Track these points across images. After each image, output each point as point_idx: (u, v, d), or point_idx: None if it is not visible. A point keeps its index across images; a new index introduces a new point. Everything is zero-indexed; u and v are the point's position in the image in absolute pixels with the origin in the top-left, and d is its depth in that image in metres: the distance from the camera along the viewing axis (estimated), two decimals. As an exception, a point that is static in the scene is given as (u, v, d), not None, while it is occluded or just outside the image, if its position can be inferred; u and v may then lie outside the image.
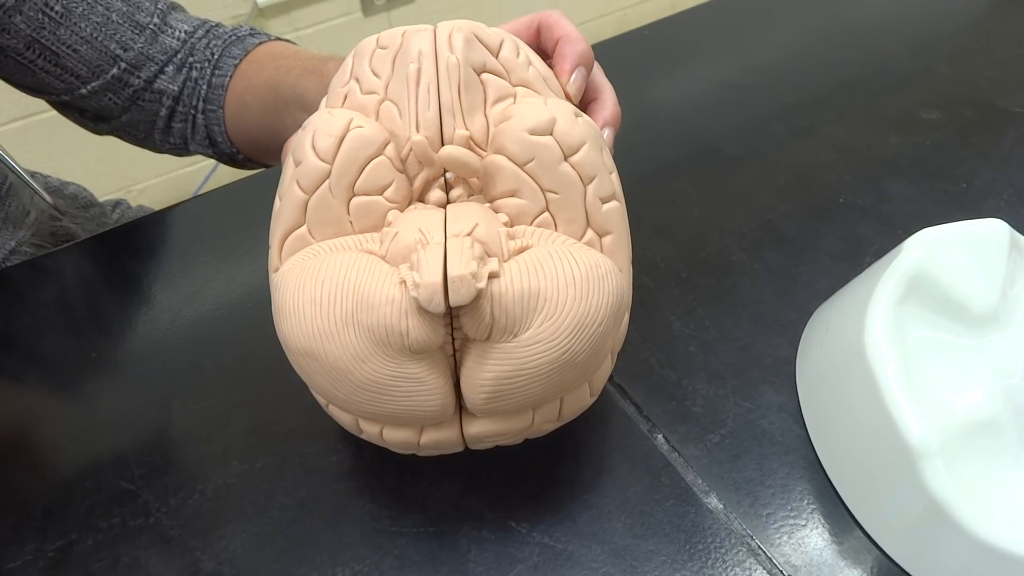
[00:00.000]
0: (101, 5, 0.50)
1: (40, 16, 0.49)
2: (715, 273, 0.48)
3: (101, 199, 0.70)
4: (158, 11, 0.53)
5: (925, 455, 0.32)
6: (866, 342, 0.35)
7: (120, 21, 0.51)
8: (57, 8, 0.49)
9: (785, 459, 0.38)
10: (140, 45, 0.52)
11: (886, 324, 0.36)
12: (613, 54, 0.65)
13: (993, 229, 0.38)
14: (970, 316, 0.36)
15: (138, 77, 0.52)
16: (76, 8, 0.49)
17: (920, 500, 0.33)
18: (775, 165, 0.56)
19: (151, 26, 0.52)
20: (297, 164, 0.30)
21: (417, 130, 0.30)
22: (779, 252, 0.49)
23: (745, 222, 0.51)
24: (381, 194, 0.30)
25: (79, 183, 0.69)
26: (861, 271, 0.42)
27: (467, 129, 0.31)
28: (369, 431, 0.32)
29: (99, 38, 0.50)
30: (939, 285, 0.36)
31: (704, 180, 0.55)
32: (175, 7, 0.55)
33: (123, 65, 0.52)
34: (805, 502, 0.37)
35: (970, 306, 0.36)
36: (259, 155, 0.57)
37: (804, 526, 0.36)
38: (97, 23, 0.50)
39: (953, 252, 0.37)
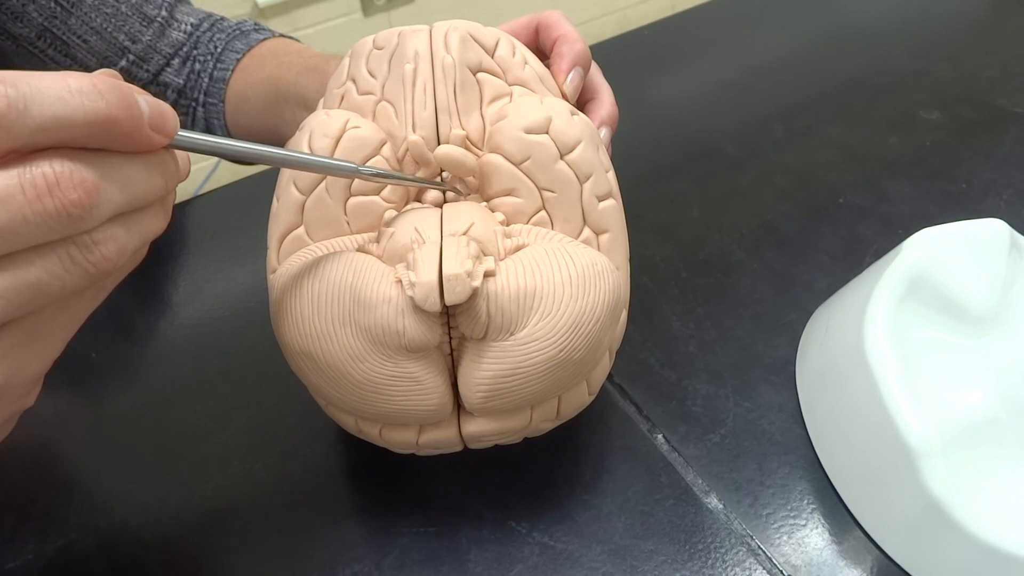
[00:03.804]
0: None
1: (53, 5, 0.49)
2: (715, 273, 0.48)
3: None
4: (166, 4, 0.53)
5: (925, 455, 0.32)
6: (866, 342, 0.35)
7: (129, 13, 0.51)
8: None
9: (785, 459, 0.38)
10: (148, 38, 0.52)
11: (886, 324, 0.35)
12: (613, 54, 0.65)
13: (993, 229, 0.38)
14: (970, 316, 0.36)
15: (146, 70, 0.53)
16: None
17: (920, 500, 0.33)
18: (775, 165, 0.56)
19: (159, 19, 0.52)
20: (295, 164, 0.30)
21: (413, 130, 0.30)
22: (779, 252, 0.49)
23: (745, 222, 0.51)
24: (378, 194, 0.30)
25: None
26: (861, 271, 0.42)
27: (463, 128, 0.31)
28: (368, 431, 0.32)
29: (109, 29, 0.51)
30: (939, 285, 0.36)
31: (704, 180, 0.55)
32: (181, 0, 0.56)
33: (131, 57, 0.52)
34: (805, 502, 0.37)
35: (970, 306, 0.36)
36: None
37: (804, 526, 0.36)
38: (107, 14, 0.50)
39: (953, 252, 0.37)
